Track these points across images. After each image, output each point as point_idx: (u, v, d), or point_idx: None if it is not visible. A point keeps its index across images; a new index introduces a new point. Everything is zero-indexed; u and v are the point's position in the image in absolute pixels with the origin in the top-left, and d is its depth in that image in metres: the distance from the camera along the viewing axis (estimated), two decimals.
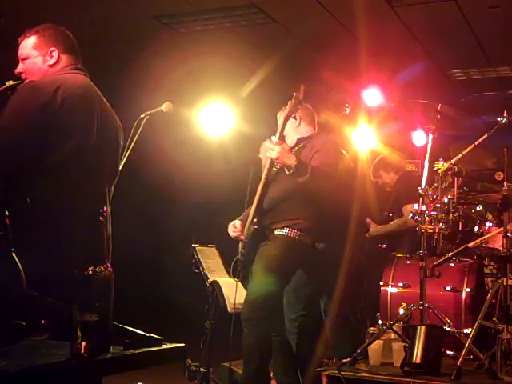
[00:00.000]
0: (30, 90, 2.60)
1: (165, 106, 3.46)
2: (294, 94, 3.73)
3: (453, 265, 4.06)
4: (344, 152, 4.10)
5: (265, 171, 3.77)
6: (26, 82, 2.75)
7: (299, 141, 3.98)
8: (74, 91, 2.63)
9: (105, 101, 2.83)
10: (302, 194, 3.72)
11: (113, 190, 2.86)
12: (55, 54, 2.77)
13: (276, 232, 3.74)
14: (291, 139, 3.98)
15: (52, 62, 2.78)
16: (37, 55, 2.78)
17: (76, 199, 2.54)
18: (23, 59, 2.80)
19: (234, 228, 3.93)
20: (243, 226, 3.88)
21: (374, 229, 5.06)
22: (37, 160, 2.51)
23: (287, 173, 3.63)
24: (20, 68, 2.81)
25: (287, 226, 3.72)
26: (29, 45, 2.79)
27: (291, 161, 3.60)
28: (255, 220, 3.77)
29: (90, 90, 2.75)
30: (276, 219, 3.76)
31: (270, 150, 3.64)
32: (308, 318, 4.06)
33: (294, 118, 3.94)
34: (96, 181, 2.70)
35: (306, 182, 3.60)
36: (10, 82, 2.73)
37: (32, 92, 2.59)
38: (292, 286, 3.94)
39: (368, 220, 4.95)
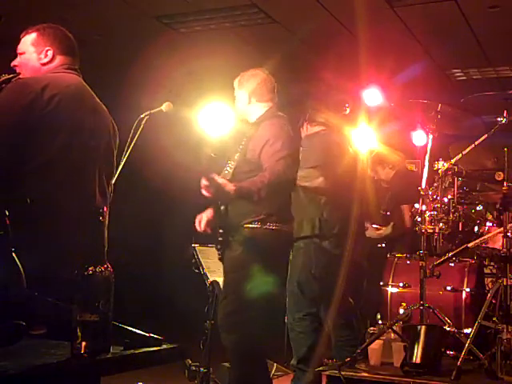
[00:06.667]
0: (17, 88, 2.60)
1: (165, 106, 3.45)
2: None
3: (453, 265, 4.06)
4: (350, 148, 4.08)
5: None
6: (19, 76, 2.75)
7: (251, 127, 3.60)
8: (63, 90, 2.63)
9: (98, 101, 2.81)
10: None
11: (111, 190, 2.85)
12: (50, 53, 2.78)
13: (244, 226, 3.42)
14: (250, 116, 3.65)
15: (45, 60, 2.78)
16: (33, 52, 2.79)
17: (74, 198, 2.54)
18: (20, 54, 2.82)
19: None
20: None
21: (370, 233, 5.00)
22: (25, 159, 2.50)
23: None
24: (16, 61, 2.83)
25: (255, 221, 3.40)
26: (28, 41, 2.80)
27: (229, 195, 3.23)
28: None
29: (81, 89, 2.74)
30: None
31: (203, 189, 3.27)
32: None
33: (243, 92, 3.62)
34: (93, 180, 2.69)
35: (257, 198, 3.25)
36: (6, 76, 2.73)
37: (19, 90, 2.59)
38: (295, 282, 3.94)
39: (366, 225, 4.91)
